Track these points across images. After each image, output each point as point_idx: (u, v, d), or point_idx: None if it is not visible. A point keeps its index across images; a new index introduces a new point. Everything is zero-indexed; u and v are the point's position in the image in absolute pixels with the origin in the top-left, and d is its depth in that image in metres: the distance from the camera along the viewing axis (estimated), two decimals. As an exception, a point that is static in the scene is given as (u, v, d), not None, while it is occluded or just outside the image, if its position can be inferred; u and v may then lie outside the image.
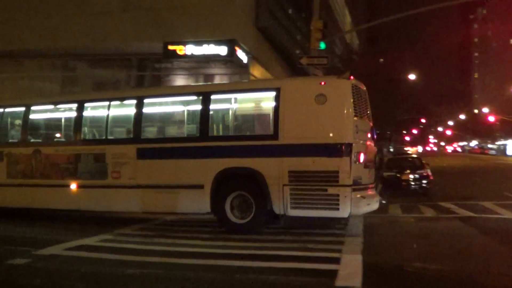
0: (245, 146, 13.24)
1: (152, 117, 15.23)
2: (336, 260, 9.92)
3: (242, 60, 27.35)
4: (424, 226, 15.63)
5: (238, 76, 28.37)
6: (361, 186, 12.78)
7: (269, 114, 13.28)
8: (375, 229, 14.76)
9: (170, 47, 26.79)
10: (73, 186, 15.04)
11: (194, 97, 14.59)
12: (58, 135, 16.81)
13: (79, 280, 8.56)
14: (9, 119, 17.22)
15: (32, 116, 16.53)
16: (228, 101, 14.21)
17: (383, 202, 22.39)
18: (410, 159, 31.20)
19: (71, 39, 29.31)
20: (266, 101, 13.67)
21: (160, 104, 15.36)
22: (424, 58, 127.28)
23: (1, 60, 32.68)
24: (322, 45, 20.58)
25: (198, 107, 14.11)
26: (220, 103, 14.38)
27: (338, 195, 12.18)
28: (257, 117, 14.29)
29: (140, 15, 28.00)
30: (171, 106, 15.47)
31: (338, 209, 12.19)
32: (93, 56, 30.90)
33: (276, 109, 12.97)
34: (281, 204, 12.66)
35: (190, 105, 14.82)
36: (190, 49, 26.63)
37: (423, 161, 28.91)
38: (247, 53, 27.64)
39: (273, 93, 13.20)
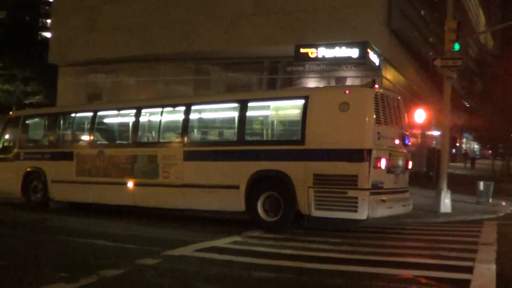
0: (276, 150, 14.36)
1: (196, 122, 16.61)
2: (469, 269, 9.59)
3: (374, 63, 27.08)
4: None
5: (370, 79, 28.14)
6: (383, 190, 13.44)
7: (298, 121, 14.21)
8: (509, 237, 14.25)
9: (302, 50, 27.02)
10: (130, 184, 16.69)
11: (233, 104, 15.83)
12: (118, 138, 18.60)
13: (208, 282, 8.56)
14: (81, 123, 19.19)
15: (97, 121, 18.34)
16: (262, 108, 15.59)
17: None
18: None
19: (205, 43, 30.26)
20: (296, 108, 14.61)
21: (204, 110, 16.70)
22: None
23: (139, 64, 34.38)
24: (457, 46, 19.98)
25: (236, 113, 15.31)
26: (256, 110, 15.58)
27: (356, 198, 12.95)
28: (288, 123, 15.44)
29: (272, 18, 28.50)
30: (212, 113, 16.79)
31: (356, 211, 12.97)
32: (226, 60, 31.71)
33: (304, 116, 13.96)
34: (306, 205, 13.58)
35: (229, 112, 16.11)
36: (321, 52, 26.76)
37: None
38: (379, 55, 27.36)
39: (302, 101, 14.18)
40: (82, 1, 35.86)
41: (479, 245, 12.41)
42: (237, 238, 12.80)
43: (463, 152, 74.70)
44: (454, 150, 62.40)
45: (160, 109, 16.89)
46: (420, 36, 35.21)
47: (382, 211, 13.45)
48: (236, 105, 15.47)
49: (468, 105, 50.61)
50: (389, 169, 13.66)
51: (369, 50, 26.15)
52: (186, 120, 16.09)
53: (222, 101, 17.02)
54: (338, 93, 14.15)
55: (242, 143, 14.90)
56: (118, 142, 18.26)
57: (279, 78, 30.55)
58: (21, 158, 19.52)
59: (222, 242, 12.22)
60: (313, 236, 13.45)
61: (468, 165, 61.98)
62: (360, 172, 12.93)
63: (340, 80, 28.79)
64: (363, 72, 28.04)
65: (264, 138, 15.34)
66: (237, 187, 14.61)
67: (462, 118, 49.23)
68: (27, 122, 20.36)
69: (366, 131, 13.15)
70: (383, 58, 28.04)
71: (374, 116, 13.25)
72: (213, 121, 16.91)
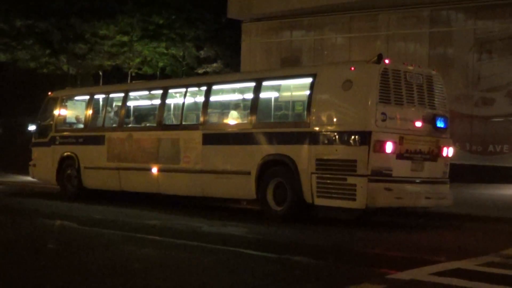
0: (283, 132, 17.94)
1: (213, 104, 20.94)
2: None
3: None
4: None
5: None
6: (390, 178, 16.16)
7: (305, 101, 17.69)
8: None
9: None
10: (155, 170, 21.05)
11: (247, 84, 19.97)
12: (145, 120, 23.44)
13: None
14: (108, 105, 24.32)
15: (126, 102, 23.23)
16: (274, 87, 19.50)
17: None
18: None
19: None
20: (304, 87, 18.04)
21: (220, 91, 21.18)
22: None
23: (351, 15, 35.07)
24: None
25: (250, 94, 19.27)
26: (268, 90, 19.43)
27: (355, 185, 15.84)
28: (296, 104, 19.37)
29: None
30: (227, 93, 21.34)
31: (355, 199, 15.87)
32: (475, 2, 31.26)
33: (311, 95, 17.30)
34: (310, 193, 16.74)
35: (243, 93, 20.39)
36: None
37: None
38: None
39: (310, 80, 17.52)
40: None
41: None
42: (494, 258, 12.46)
43: None
44: None
45: (184, 89, 21.37)
46: None
47: (385, 201, 16.11)
48: (249, 84, 19.59)
49: None
50: (401, 155, 16.30)
51: None
52: (206, 101, 20.31)
53: (237, 80, 21.65)
54: (343, 70, 17.26)
55: (254, 126, 18.67)
56: (145, 124, 23.04)
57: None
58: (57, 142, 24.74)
59: (472, 263, 11.90)
60: None
61: None
62: (359, 157, 15.83)
63: None
64: None
65: (272, 120, 19.48)
66: (248, 173, 18.34)
67: None
68: (64, 103, 25.52)
69: (366, 111, 16.06)
70: None
71: (378, 95, 15.97)
72: (228, 102, 21.31)
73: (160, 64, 47.95)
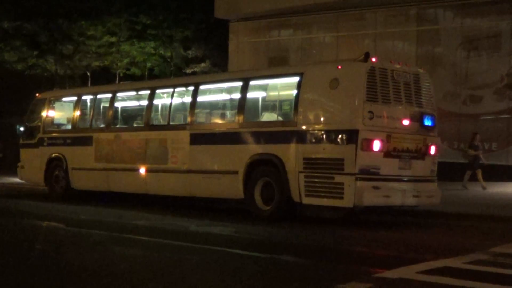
0: (270, 132, 18.02)
1: (200, 103, 20.92)
2: None
3: None
4: None
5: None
6: (378, 176, 16.26)
7: (293, 100, 17.72)
8: None
9: None
10: (142, 170, 21.13)
11: (234, 84, 19.97)
12: (132, 120, 23.50)
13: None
14: (96, 105, 24.24)
15: (113, 103, 23.18)
16: (262, 87, 19.51)
17: None
18: None
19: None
20: (292, 86, 18.02)
21: (207, 91, 21.07)
22: None
23: (338, 14, 34.87)
24: None
25: (237, 94, 19.25)
26: (255, 90, 19.42)
27: (343, 184, 15.90)
28: (284, 103, 19.20)
29: None
30: (214, 93, 21.28)
31: (342, 198, 15.92)
32: (461, 0, 31.17)
33: (298, 94, 17.38)
34: (297, 192, 16.80)
35: (230, 92, 20.37)
36: None
37: None
38: None
39: (298, 78, 17.56)
40: None
41: None
42: (482, 256, 12.41)
43: None
44: None
45: (171, 90, 21.40)
46: None
47: (372, 200, 16.20)
48: (236, 84, 19.63)
49: None
50: (389, 153, 16.35)
51: None
52: (193, 101, 20.30)
53: (225, 80, 21.74)
54: (330, 69, 17.37)
55: (241, 125, 18.77)
56: (132, 125, 23.14)
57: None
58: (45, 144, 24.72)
59: (460, 260, 11.84)
60: None
61: None
62: (346, 155, 15.89)
63: None
64: None
65: (260, 119, 19.19)
66: (235, 172, 18.38)
67: None
68: (52, 105, 25.41)
69: (353, 109, 16.14)
70: None
71: (366, 93, 16.04)
72: (215, 102, 21.56)
73: (148, 65, 47.91)
